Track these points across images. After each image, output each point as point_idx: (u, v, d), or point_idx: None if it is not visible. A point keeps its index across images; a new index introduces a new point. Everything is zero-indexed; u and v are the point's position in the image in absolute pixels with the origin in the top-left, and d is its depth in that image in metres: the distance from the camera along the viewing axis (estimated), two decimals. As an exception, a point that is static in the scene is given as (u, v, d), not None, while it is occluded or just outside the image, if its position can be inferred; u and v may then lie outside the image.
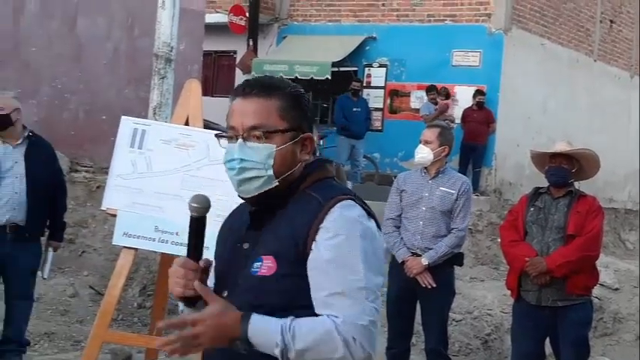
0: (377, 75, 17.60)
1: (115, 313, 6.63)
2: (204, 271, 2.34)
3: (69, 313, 8.27)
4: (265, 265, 2.29)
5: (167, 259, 5.17)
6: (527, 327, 5.83)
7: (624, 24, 20.46)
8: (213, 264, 2.41)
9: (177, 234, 4.92)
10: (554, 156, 5.76)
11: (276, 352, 2.17)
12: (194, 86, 5.45)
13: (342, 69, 17.13)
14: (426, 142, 6.17)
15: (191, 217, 2.34)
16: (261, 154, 2.32)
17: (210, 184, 4.77)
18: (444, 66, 16.67)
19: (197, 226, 2.34)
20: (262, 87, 2.36)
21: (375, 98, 17.33)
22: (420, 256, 6.10)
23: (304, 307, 2.25)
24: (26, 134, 6.32)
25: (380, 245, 2.35)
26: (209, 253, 2.43)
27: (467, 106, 15.84)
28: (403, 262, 6.13)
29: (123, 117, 5.33)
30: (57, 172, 6.62)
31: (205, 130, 5.27)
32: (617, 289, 10.68)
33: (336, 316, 2.19)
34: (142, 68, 11.60)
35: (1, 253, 6.21)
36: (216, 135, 2.44)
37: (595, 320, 7.42)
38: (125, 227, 5.07)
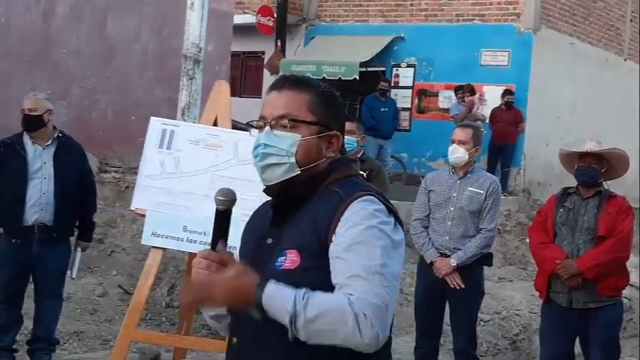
0: (405, 75, 17.59)
1: (143, 313, 6.67)
2: (227, 263, 2.36)
3: (98, 313, 8.33)
4: (289, 259, 2.33)
5: (195, 259, 5.18)
6: (557, 329, 5.79)
7: (655, 23, 20.29)
8: (237, 257, 2.43)
9: (205, 234, 4.93)
10: (584, 155, 5.72)
11: (286, 319, 2.18)
12: (223, 87, 5.48)
13: (369, 69, 17.13)
14: (460, 142, 6.14)
15: (217, 209, 2.36)
16: (286, 141, 2.39)
17: (239, 185, 4.77)
18: (472, 66, 16.62)
19: (222, 218, 2.36)
20: (296, 81, 2.46)
21: (402, 98, 17.32)
22: (448, 256, 6.06)
23: None
24: (56, 135, 6.34)
25: (399, 240, 2.36)
26: (234, 252, 2.43)
27: (495, 106, 15.79)
28: (432, 263, 6.12)
29: (152, 117, 5.35)
30: (86, 173, 6.62)
31: (233, 130, 5.29)
32: (647, 290, 10.58)
33: (350, 294, 2.21)
34: (171, 69, 11.68)
35: (30, 253, 6.24)
36: (247, 123, 2.48)
37: (624, 321, 7.35)
38: (154, 227, 5.09)
